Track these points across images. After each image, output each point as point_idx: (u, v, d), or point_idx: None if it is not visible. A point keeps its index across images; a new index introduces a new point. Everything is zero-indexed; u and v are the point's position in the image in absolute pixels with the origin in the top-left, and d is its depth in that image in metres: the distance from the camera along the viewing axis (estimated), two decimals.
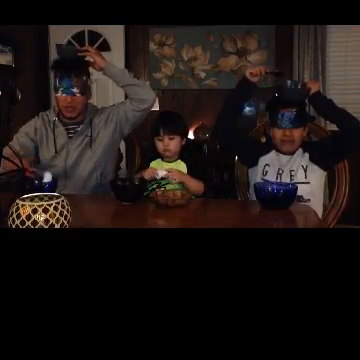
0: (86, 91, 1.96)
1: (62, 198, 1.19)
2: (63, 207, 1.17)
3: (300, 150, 1.84)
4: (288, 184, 1.67)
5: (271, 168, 1.85)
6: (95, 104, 2.12)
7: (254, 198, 1.64)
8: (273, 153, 1.86)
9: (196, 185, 1.75)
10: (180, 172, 1.75)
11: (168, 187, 1.79)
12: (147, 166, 1.84)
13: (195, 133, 3.68)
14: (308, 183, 1.82)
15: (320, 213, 1.83)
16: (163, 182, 1.78)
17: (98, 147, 1.99)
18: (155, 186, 1.78)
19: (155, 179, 1.75)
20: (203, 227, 1.39)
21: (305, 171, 1.82)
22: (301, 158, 1.83)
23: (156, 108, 3.68)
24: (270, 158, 1.87)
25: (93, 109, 2.05)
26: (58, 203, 1.16)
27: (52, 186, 1.72)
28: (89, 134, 1.98)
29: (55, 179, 1.77)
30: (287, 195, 1.58)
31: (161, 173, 1.72)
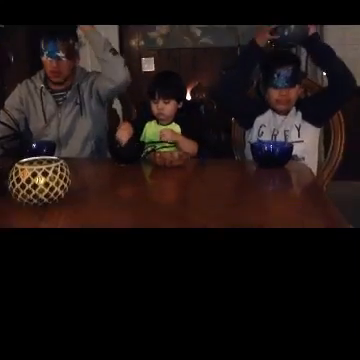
0: (73, 55, 1.91)
1: (61, 161, 1.21)
2: (62, 170, 1.19)
3: (293, 109, 1.84)
4: (284, 143, 1.69)
5: (266, 129, 1.86)
6: (89, 67, 2.09)
7: (250, 158, 1.66)
8: (269, 113, 1.86)
9: (190, 146, 1.75)
10: (172, 132, 1.75)
11: (163, 150, 1.80)
12: (129, 121, 1.85)
13: (192, 93, 3.65)
14: (302, 142, 1.82)
15: (315, 170, 1.86)
16: (158, 145, 1.79)
17: (89, 114, 1.96)
18: (150, 149, 1.79)
19: (151, 141, 1.76)
20: (200, 188, 1.43)
21: (298, 130, 1.82)
22: (294, 117, 1.83)
23: (152, 69, 3.64)
24: (265, 119, 1.86)
25: (82, 73, 2.01)
26: (57, 166, 1.18)
27: (51, 150, 1.74)
28: (78, 101, 1.95)
29: (54, 144, 1.78)
30: (282, 154, 1.60)
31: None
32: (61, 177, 1.19)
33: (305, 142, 1.82)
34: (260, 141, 1.77)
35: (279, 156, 1.60)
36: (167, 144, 1.75)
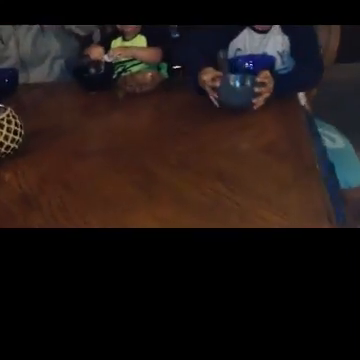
0: None
1: (7, 112, 1.10)
2: (10, 122, 1.09)
3: (278, 28, 1.49)
4: (263, 57, 1.48)
5: (242, 53, 1.57)
6: None
7: None
8: (245, 32, 1.53)
9: (149, 54, 1.62)
10: (122, 48, 1.60)
11: (134, 69, 1.65)
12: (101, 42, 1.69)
13: None
14: (285, 69, 1.51)
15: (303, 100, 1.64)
16: (128, 64, 1.64)
17: (51, 30, 1.77)
18: (121, 70, 1.64)
19: (119, 62, 1.60)
20: (175, 116, 1.31)
21: (281, 56, 1.51)
22: (276, 39, 1.50)
23: None
24: (241, 40, 1.55)
25: None
26: (3, 119, 1.08)
27: (13, 79, 1.60)
28: None
29: (15, 71, 1.64)
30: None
31: (109, 58, 1.57)
32: (9, 130, 1.09)
33: (288, 68, 1.51)
34: (233, 58, 1.54)
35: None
36: (136, 61, 1.61)
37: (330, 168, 1.47)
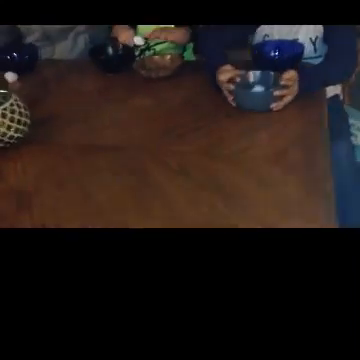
0: None
1: (11, 100, 1.07)
2: (13, 112, 1.07)
3: None
4: (292, 43, 1.35)
5: (270, 39, 1.43)
6: None
7: None
8: None
9: (177, 35, 1.52)
10: (157, 31, 1.50)
11: (158, 47, 1.58)
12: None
13: None
14: (319, 57, 1.38)
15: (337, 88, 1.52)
16: (152, 42, 1.56)
17: None
18: (144, 47, 1.57)
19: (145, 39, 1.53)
20: (186, 109, 1.23)
21: (314, 44, 1.39)
22: (309, 25, 1.38)
23: None
24: (269, 27, 1.43)
25: None
26: (5, 109, 1.06)
27: (32, 58, 1.57)
28: None
29: (35, 48, 1.61)
30: (290, 59, 1.30)
31: (137, 41, 1.49)
32: (12, 120, 1.07)
33: (323, 57, 1.38)
34: (258, 44, 1.41)
35: (286, 61, 1.30)
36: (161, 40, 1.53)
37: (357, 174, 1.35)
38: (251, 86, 1.23)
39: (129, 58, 1.48)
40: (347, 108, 1.59)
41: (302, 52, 1.33)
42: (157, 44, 1.60)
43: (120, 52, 1.50)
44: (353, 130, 1.53)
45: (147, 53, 1.61)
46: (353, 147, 1.44)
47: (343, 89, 1.60)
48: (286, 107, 1.16)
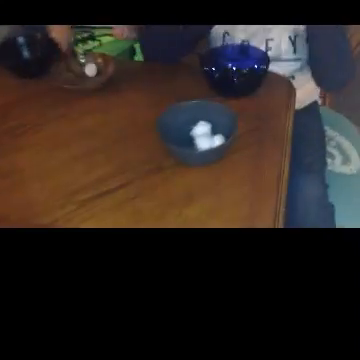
0: None
1: None
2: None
3: None
4: (255, 50, 1.02)
5: (230, 39, 1.09)
6: None
7: None
8: None
9: (122, 28, 1.28)
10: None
11: (105, 39, 1.33)
12: None
13: None
14: (298, 60, 1.12)
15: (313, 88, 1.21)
16: (97, 32, 1.29)
17: None
18: (87, 36, 1.30)
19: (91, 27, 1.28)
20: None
21: (294, 44, 1.08)
22: None
23: None
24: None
25: None
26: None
27: None
28: None
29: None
30: (249, 75, 0.97)
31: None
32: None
33: (303, 59, 1.12)
34: (207, 53, 1.06)
35: (244, 81, 0.97)
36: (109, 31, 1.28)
37: (325, 215, 1.05)
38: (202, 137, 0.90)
39: (49, 60, 1.12)
40: (328, 112, 1.36)
41: (266, 60, 0.99)
42: (104, 35, 1.32)
43: (39, 54, 1.14)
44: (330, 148, 1.28)
45: (91, 44, 1.32)
46: (326, 186, 1.11)
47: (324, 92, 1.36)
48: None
